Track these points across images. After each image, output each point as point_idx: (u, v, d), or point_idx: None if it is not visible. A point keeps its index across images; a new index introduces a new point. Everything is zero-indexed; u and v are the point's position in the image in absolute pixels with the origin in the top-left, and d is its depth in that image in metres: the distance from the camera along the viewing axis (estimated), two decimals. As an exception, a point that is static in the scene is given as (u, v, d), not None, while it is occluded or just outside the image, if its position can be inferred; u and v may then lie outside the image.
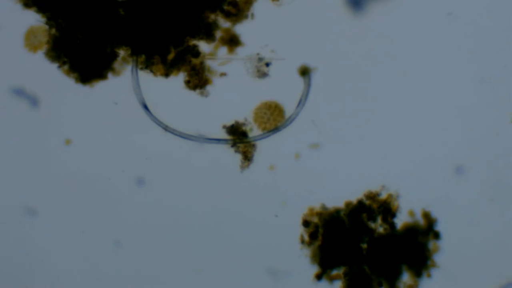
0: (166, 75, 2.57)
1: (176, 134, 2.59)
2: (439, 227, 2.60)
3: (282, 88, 2.58)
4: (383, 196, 2.60)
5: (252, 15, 2.57)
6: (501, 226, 2.58)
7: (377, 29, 2.58)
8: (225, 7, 2.56)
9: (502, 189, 2.58)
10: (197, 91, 2.58)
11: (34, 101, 2.59)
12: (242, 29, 2.57)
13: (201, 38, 2.56)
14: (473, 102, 2.58)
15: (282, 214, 2.60)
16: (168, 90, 2.58)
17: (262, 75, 2.57)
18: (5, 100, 2.59)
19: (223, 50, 2.58)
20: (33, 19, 2.55)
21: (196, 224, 2.60)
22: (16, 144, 2.60)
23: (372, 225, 2.60)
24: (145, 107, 2.58)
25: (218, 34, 2.57)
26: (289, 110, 2.59)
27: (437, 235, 2.60)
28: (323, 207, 2.60)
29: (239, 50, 2.58)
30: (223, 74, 2.59)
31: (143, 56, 2.56)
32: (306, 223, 2.61)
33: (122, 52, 2.57)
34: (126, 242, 2.60)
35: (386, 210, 2.60)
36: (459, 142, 2.59)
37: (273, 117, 2.55)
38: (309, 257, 2.60)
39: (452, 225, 2.60)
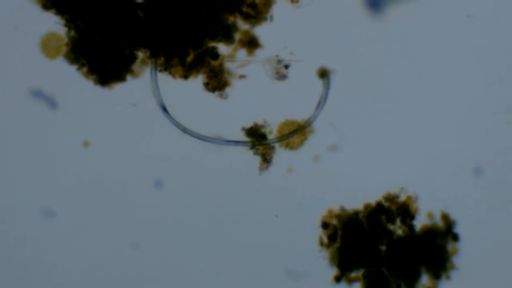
0: (185, 77, 2.57)
1: (194, 136, 2.58)
2: (458, 229, 2.60)
3: (301, 90, 2.58)
4: (402, 198, 2.60)
5: (271, 17, 2.57)
6: (520, 228, 2.59)
7: (395, 30, 2.58)
8: (244, 9, 2.56)
9: (521, 191, 2.59)
10: (216, 93, 2.57)
11: (52, 103, 2.58)
12: (261, 31, 2.57)
13: (220, 40, 2.56)
14: (493, 103, 2.58)
15: (300, 216, 2.59)
16: (187, 92, 2.58)
17: (281, 77, 2.57)
18: (24, 102, 2.58)
19: (242, 52, 2.58)
20: (52, 21, 2.55)
21: (214, 226, 2.59)
22: (34, 146, 2.59)
23: (391, 227, 2.60)
24: (164, 109, 2.58)
25: (237, 36, 2.57)
26: (307, 112, 2.59)
27: (455, 237, 2.60)
28: (342, 209, 2.60)
29: (258, 52, 2.58)
30: (242, 76, 2.58)
31: (162, 58, 2.56)
32: (325, 225, 2.61)
33: (141, 54, 2.56)
34: (144, 244, 2.60)
35: (405, 212, 2.60)
36: (478, 143, 2.59)
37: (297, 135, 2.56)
38: (328, 259, 2.60)
39: (471, 227, 2.60)
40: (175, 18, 2.53)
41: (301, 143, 2.57)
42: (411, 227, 2.60)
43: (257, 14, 2.56)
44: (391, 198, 2.60)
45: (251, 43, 2.58)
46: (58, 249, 2.60)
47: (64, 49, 2.54)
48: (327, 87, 2.58)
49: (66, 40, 2.54)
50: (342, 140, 2.59)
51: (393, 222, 2.60)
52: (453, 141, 2.59)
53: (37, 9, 2.55)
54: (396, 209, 2.60)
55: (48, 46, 2.54)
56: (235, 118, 2.58)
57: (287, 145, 2.57)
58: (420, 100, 2.59)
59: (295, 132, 2.59)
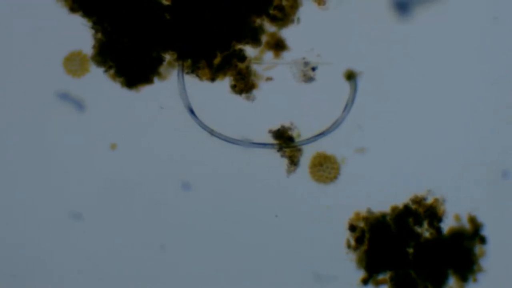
0: (212, 79, 2.56)
1: (222, 139, 2.58)
2: (485, 232, 2.59)
3: (328, 92, 2.58)
4: (429, 200, 2.59)
5: (298, 19, 2.56)
6: (548, 231, 2.58)
7: (423, 32, 2.58)
8: (271, 11, 2.55)
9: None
10: (243, 95, 2.57)
11: (80, 106, 2.58)
12: (288, 33, 2.57)
13: (247, 43, 2.56)
14: (523, 106, 2.58)
15: (328, 219, 2.59)
16: (214, 94, 2.58)
17: (308, 79, 2.57)
18: (51, 105, 2.58)
19: (269, 55, 2.58)
20: (78, 22, 2.55)
21: (241, 228, 2.59)
22: (61, 148, 2.60)
23: (418, 229, 2.60)
24: (191, 111, 2.58)
25: (264, 38, 2.57)
26: (335, 114, 2.58)
27: (483, 240, 2.60)
28: (369, 211, 2.59)
29: (285, 54, 2.57)
30: (269, 79, 2.58)
31: (189, 61, 2.56)
32: (352, 228, 2.60)
33: (168, 57, 2.56)
34: (172, 246, 2.59)
35: (432, 214, 2.59)
36: (506, 146, 2.59)
37: (330, 166, 2.56)
38: (355, 261, 2.60)
39: (499, 230, 2.59)
40: (202, 20, 2.53)
41: (335, 177, 2.57)
42: (438, 230, 2.59)
43: (284, 16, 2.56)
44: (418, 201, 2.59)
45: (278, 45, 2.57)
46: (83, 251, 2.60)
47: (89, 66, 2.54)
48: (354, 90, 2.58)
49: (88, 57, 2.55)
50: (369, 142, 2.59)
51: (420, 224, 2.60)
52: (481, 144, 2.59)
53: (63, 11, 2.55)
54: (424, 211, 2.59)
55: (71, 66, 2.55)
56: (262, 121, 2.58)
57: (318, 179, 2.57)
58: (448, 103, 2.59)
59: (322, 135, 2.58)
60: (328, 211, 2.58)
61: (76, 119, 2.59)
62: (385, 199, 2.58)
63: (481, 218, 2.59)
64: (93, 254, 2.60)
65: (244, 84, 2.57)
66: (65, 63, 2.55)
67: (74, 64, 2.55)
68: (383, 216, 2.59)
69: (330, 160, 2.56)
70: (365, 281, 2.60)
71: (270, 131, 2.58)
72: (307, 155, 2.59)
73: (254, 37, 2.56)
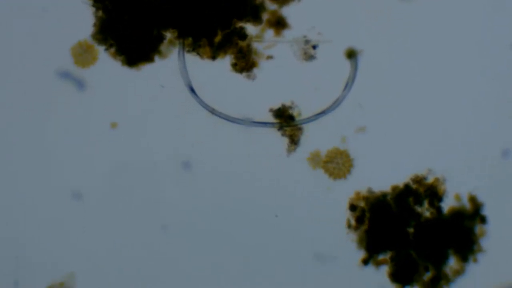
0: (213, 57, 2.56)
1: (222, 117, 2.58)
2: (486, 212, 2.59)
3: (329, 71, 2.57)
4: (430, 180, 2.59)
5: (299, -2, 2.56)
6: (549, 210, 2.58)
7: (424, 10, 2.58)
8: (272, -10, 2.56)
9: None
10: (244, 74, 2.57)
11: (80, 84, 2.58)
12: (288, 11, 2.57)
13: (248, 21, 2.56)
14: (523, 84, 2.58)
15: (328, 198, 2.58)
16: (214, 73, 2.57)
17: (309, 58, 2.57)
18: (52, 83, 2.58)
19: (269, 33, 2.57)
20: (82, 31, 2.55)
21: (242, 207, 2.58)
22: (62, 127, 2.59)
23: (419, 209, 2.59)
24: (192, 90, 2.58)
25: (265, 16, 2.56)
26: (335, 93, 2.58)
27: (483, 220, 2.59)
28: (370, 191, 2.59)
29: (286, 32, 2.57)
30: (269, 57, 2.58)
31: (190, 39, 2.55)
32: (352, 207, 2.60)
33: (168, 35, 2.56)
34: (173, 226, 2.59)
35: (433, 194, 2.59)
36: (506, 125, 2.58)
37: (343, 163, 2.55)
38: (356, 241, 2.59)
39: (499, 209, 2.59)
40: (203, -1, 2.53)
41: (347, 172, 2.57)
42: (438, 209, 2.59)
43: (285, -5, 2.56)
44: (418, 180, 2.59)
45: (279, 24, 2.57)
46: (85, 230, 2.59)
47: (96, 57, 2.55)
48: (355, 68, 2.57)
49: (97, 48, 2.55)
50: (370, 121, 2.58)
51: (420, 204, 2.59)
52: (481, 123, 2.58)
53: (64, -10, 2.56)
54: (424, 191, 2.59)
55: (79, 56, 2.54)
56: (263, 99, 2.57)
57: (331, 174, 2.57)
58: (449, 81, 2.59)
59: (323, 114, 2.58)
60: (329, 191, 2.58)
61: (77, 97, 2.58)
62: (386, 178, 2.58)
63: (482, 197, 2.58)
64: (93, 234, 2.59)
65: (245, 62, 2.56)
66: (73, 54, 2.56)
67: (81, 54, 2.54)
68: (384, 195, 2.59)
69: (343, 155, 2.56)
70: (365, 261, 2.59)
71: (270, 110, 2.58)
72: (307, 132, 2.58)
73: (255, 15, 2.56)
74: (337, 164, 2.55)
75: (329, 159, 2.54)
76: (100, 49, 2.55)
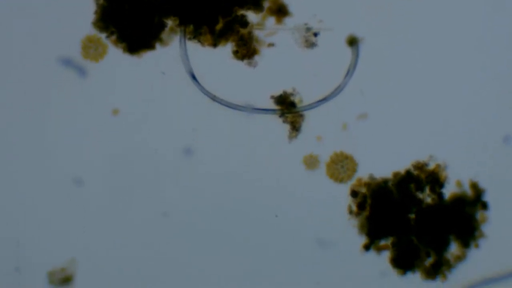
0: (214, 45, 2.56)
1: (224, 104, 2.58)
2: (487, 198, 2.59)
3: (330, 58, 2.58)
4: (431, 166, 2.60)
5: (300, -15, 2.57)
6: (550, 196, 2.59)
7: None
8: (273, -23, 2.56)
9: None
10: (245, 61, 2.57)
11: (82, 71, 2.58)
12: (290, -1, 2.58)
13: (249, 8, 2.56)
14: (524, 70, 2.59)
15: (330, 185, 2.59)
16: (216, 60, 2.58)
17: (310, 45, 2.57)
18: (53, 70, 2.58)
19: (271, 20, 2.58)
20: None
21: (244, 194, 2.59)
22: (64, 114, 2.59)
23: (420, 195, 2.60)
24: (193, 77, 2.58)
25: (266, 4, 2.57)
26: (337, 80, 2.58)
27: (485, 206, 2.60)
28: (371, 177, 2.60)
29: (287, 20, 2.58)
30: (271, 45, 2.58)
31: (191, 26, 2.56)
32: (354, 194, 2.60)
33: (170, 22, 2.56)
34: (174, 213, 2.59)
35: (434, 180, 2.59)
36: (507, 111, 2.59)
37: (347, 167, 2.56)
38: (357, 227, 2.60)
39: (500, 195, 2.59)
40: (204, -14, 2.53)
41: (351, 176, 2.58)
42: (440, 196, 2.60)
43: (286, -18, 2.57)
44: (420, 167, 2.59)
45: (280, 11, 2.57)
46: (86, 217, 2.60)
47: (106, 51, 2.55)
48: (356, 55, 2.58)
49: (106, 43, 2.55)
50: (371, 108, 2.59)
51: (422, 190, 2.60)
52: (483, 109, 2.59)
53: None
54: (425, 177, 2.59)
55: (88, 50, 2.55)
56: (264, 86, 2.58)
57: (336, 178, 2.57)
58: (450, 68, 2.59)
59: (324, 101, 2.58)
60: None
61: (78, 84, 2.59)
62: (387, 164, 2.59)
63: (483, 183, 2.59)
64: (93, 221, 2.59)
65: (246, 50, 2.57)
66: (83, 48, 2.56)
67: (91, 48, 2.55)
68: (385, 182, 2.60)
69: (348, 160, 2.56)
70: (367, 247, 2.60)
71: (272, 97, 2.58)
72: (308, 119, 2.59)
73: (256, 3, 2.56)
74: (341, 167, 2.56)
75: (334, 162, 2.55)
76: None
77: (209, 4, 2.54)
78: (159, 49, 2.57)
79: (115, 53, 2.57)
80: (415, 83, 2.59)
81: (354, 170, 2.58)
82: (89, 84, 2.59)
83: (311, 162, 2.54)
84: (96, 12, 2.55)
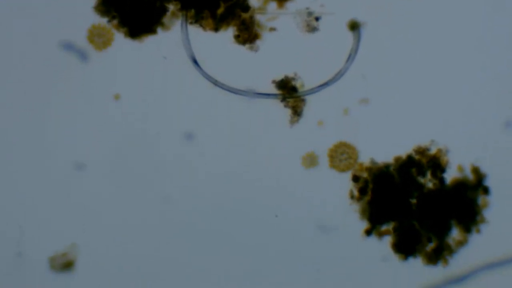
0: (216, 29, 2.56)
1: (225, 89, 2.58)
2: (488, 182, 2.59)
3: (332, 42, 2.58)
4: (433, 151, 2.60)
5: (302, -31, 2.57)
6: (551, 180, 2.58)
7: (426, -17, 2.59)
8: (275, -38, 2.56)
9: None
10: (247, 45, 2.57)
11: (83, 56, 2.58)
12: (291, -17, 2.58)
13: (251, -7, 2.57)
14: (526, 53, 2.59)
15: (331, 170, 2.59)
16: (217, 44, 2.58)
17: (312, 29, 2.57)
18: (55, 55, 2.58)
19: (272, 5, 2.58)
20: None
21: (244, 178, 2.58)
22: (65, 98, 2.59)
23: (422, 180, 2.60)
24: (195, 61, 2.58)
25: (268, -12, 2.58)
26: (338, 64, 2.58)
27: (486, 190, 2.60)
28: (373, 162, 2.59)
29: (289, 4, 2.57)
30: (272, 29, 2.58)
31: (193, 11, 2.56)
32: (355, 178, 2.60)
33: (171, 7, 2.56)
34: (175, 197, 2.59)
35: (436, 165, 2.59)
36: (509, 96, 2.59)
37: (349, 156, 2.56)
38: (359, 212, 2.60)
39: (502, 180, 2.59)
40: (205, -29, 2.53)
41: (347, 167, 2.58)
42: (441, 180, 2.60)
43: (287, -33, 2.56)
44: (421, 151, 2.59)
45: (282, -4, 2.58)
46: (87, 202, 2.60)
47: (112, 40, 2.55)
48: (357, 40, 2.58)
49: (112, 31, 2.55)
50: (373, 93, 2.59)
51: (423, 175, 2.60)
52: (484, 94, 2.59)
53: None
54: (427, 162, 2.59)
55: (94, 38, 2.55)
56: (266, 71, 2.58)
57: (338, 168, 2.57)
58: (451, 53, 2.59)
59: (325, 85, 2.58)
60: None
61: (80, 69, 2.58)
62: (389, 149, 2.59)
63: (484, 168, 2.59)
64: (95, 205, 2.59)
65: (248, 34, 2.57)
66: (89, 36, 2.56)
67: (97, 37, 2.55)
68: (387, 166, 2.60)
69: (350, 149, 2.56)
70: (368, 232, 2.60)
71: (273, 82, 2.58)
72: (310, 103, 2.59)
73: (257, -13, 2.57)
74: (343, 160, 2.56)
75: (334, 153, 2.55)
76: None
77: (210, -11, 2.54)
78: (160, 34, 2.57)
79: (116, 38, 2.56)
80: (417, 67, 2.59)
81: (355, 159, 2.58)
82: (90, 68, 2.59)
83: (310, 160, 2.54)
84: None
